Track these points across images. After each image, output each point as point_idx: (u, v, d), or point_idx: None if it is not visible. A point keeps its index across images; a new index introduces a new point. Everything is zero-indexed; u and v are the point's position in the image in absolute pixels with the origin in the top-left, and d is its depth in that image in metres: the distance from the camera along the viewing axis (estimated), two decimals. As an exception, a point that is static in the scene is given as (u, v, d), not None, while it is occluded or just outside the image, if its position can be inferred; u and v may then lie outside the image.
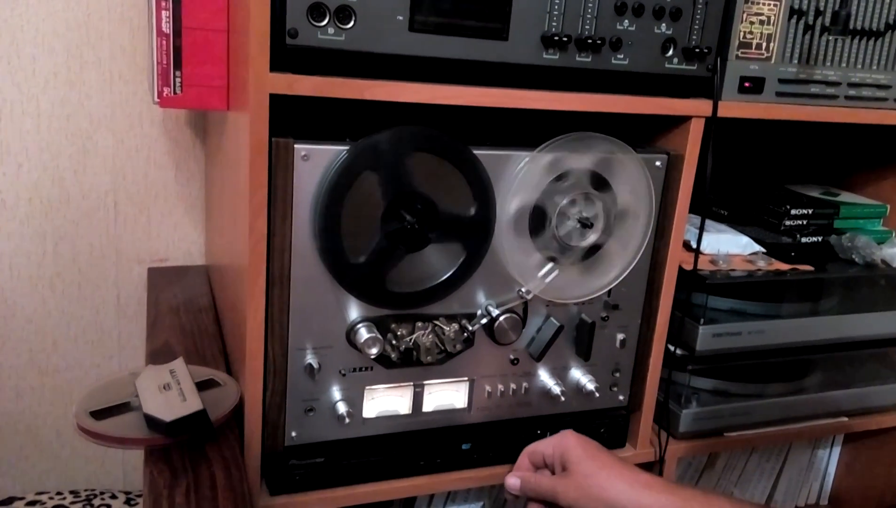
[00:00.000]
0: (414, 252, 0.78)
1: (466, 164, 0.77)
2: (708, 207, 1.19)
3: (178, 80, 0.85)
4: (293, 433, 0.80)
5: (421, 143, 0.75)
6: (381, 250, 0.76)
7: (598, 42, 0.78)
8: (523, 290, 0.84)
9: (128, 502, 1.18)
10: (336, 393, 0.81)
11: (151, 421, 0.70)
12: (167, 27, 0.83)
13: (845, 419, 1.11)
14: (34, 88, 1.09)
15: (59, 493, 1.18)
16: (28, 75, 1.08)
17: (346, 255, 0.75)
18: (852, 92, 0.94)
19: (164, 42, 0.84)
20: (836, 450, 1.39)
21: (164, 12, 0.82)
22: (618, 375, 0.93)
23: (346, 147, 0.73)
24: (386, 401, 0.83)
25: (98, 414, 0.72)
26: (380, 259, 0.77)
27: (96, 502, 1.17)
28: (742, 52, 0.86)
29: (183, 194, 1.19)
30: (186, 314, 1.03)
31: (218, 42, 0.81)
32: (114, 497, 1.19)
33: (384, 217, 0.76)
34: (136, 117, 1.14)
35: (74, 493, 1.19)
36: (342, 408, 0.80)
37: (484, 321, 0.83)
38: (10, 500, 1.16)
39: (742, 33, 0.86)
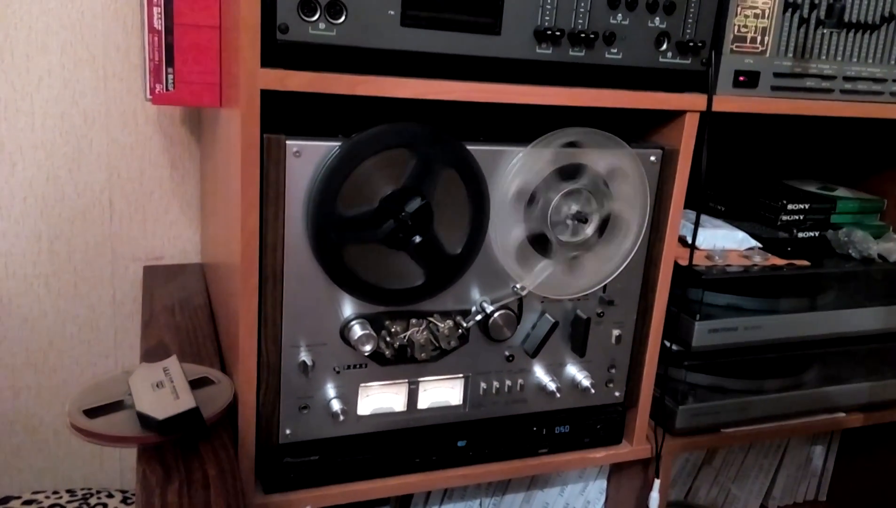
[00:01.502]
0: (389, 247, 0.77)
1: (450, 151, 0.76)
2: (704, 202, 1.18)
3: (170, 77, 0.84)
4: (287, 431, 0.80)
5: (400, 138, 0.74)
6: (371, 243, 0.76)
7: (592, 36, 0.77)
8: (518, 286, 0.83)
9: (124, 501, 1.18)
10: (330, 391, 0.80)
11: (144, 419, 0.70)
12: (159, 24, 0.83)
13: (842, 414, 1.11)
14: (28, 86, 1.09)
15: (55, 492, 1.18)
16: (22, 73, 1.08)
17: (338, 251, 0.75)
18: (848, 86, 0.93)
19: (156, 39, 0.83)
20: (834, 446, 1.39)
21: (155, 9, 0.82)
22: (613, 371, 0.93)
23: (339, 143, 0.72)
24: (380, 398, 0.83)
25: (91, 413, 0.72)
26: (370, 253, 0.76)
27: (93, 501, 1.17)
28: (737, 46, 0.86)
29: (178, 191, 1.19)
30: (181, 313, 1.03)
31: (210, 38, 0.81)
32: (110, 495, 1.18)
33: (377, 213, 0.75)
34: (130, 115, 1.14)
35: (71, 492, 1.18)
36: (336, 406, 0.80)
37: (478, 317, 0.83)
38: (7, 499, 1.15)
39: (736, 27, 0.85)
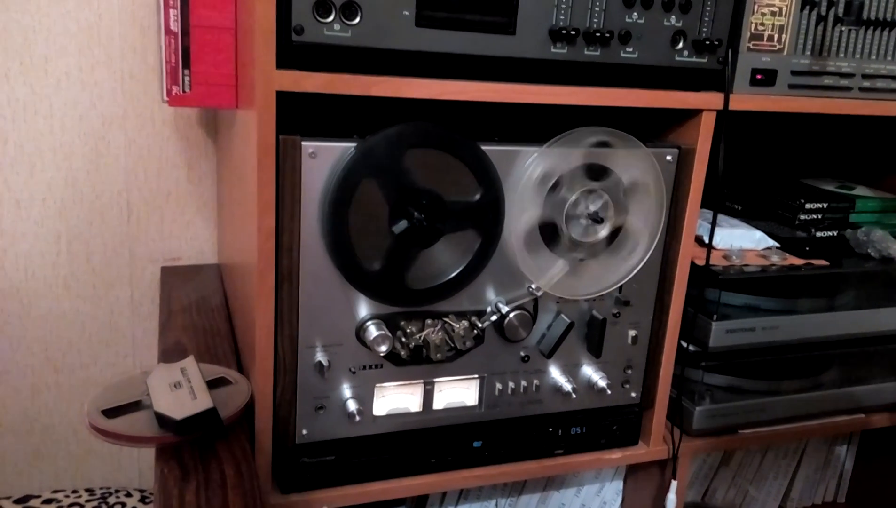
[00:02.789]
0: (427, 247, 0.77)
1: (465, 151, 0.76)
2: (721, 201, 1.18)
3: (186, 78, 0.85)
4: (304, 431, 0.80)
5: (414, 139, 0.74)
6: (387, 244, 0.76)
7: (607, 35, 0.77)
8: (533, 287, 0.83)
9: (142, 500, 1.19)
10: (346, 391, 0.81)
11: (162, 419, 0.71)
12: (175, 26, 0.83)
13: (862, 415, 1.10)
14: (47, 88, 1.10)
15: (74, 491, 1.19)
16: (40, 76, 1.09)
17: (353, 252, 0.75)
18: (867, 84, 0.92)
19: (173, 41, 0.84)
20: (853, 447, 1.37)
21: (171, 11, 0.83)
22: (630, 372, 0.93)
23: (354, 144, 0.72)
24: (396, 399, 0.83)
25: (110, 413, 0.73)
26: (386, 253, 0.76)
27: (111, 500, 1.18)
28: (754, 44, 0.85)
29: (195, 192, 1.20)
30: (198, 313, 1.04)
31: (226, 40, 0.81)
32: (129, 495, 1.19)
33: (392, 214, 0.75)
34: (147, 117, 1.15)
35: (90, 491, 1.19)
36: (352, 406, 0.80)
37: (494, 317, 0.83)
38: (27, 498, 1.17)
39: (753, 25, 0.85)
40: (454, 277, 0.80)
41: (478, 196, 0.78)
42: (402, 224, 0.76)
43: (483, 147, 0.77)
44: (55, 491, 1.19)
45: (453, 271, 0.80)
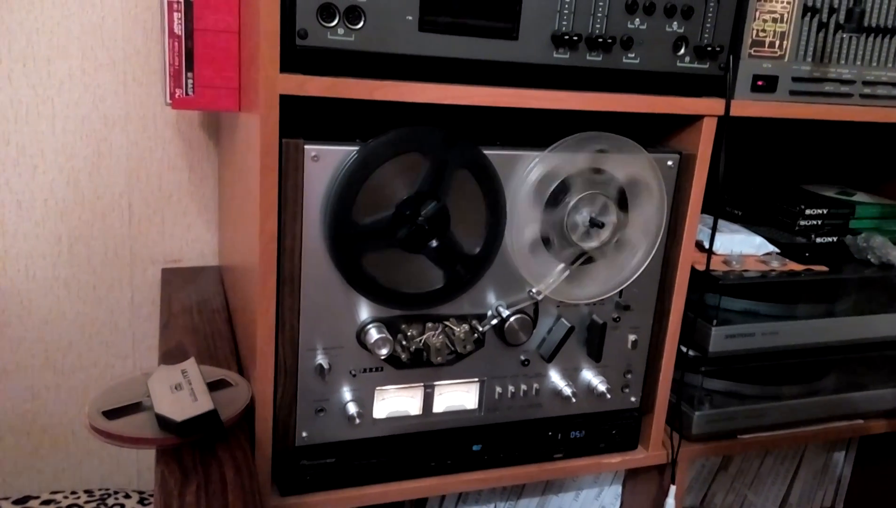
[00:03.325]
0: (408, 251, 0.77)
1: (494, 198, 0.77)
2: (721, 207, 1.18)
3: (189, 81, 0.85)
4: (304, 434, 0.80)
5: (415, 143, 0.74)
6: (389, 247, 0.76)
7: (609, 41, 0.77)
8: (534, 291, 0.83)
9: (141, 501, 1.19)
10: (346, 394, 0.81)
11: (163, 421, 0.71)
12: (179, 29, 0.83)
13: (860, 421, 1.10)
14: (49, 90, 1.10)
15: (73, 492, 1.19)
16: (43, 77, 1.09)
17: (355, 255, 0.75)
18: (867, 90, 0.93)
19: (176, 44, 0.84)
20: (852, 453, 1.38)
21: (175, 14, 0.83)
22: (629, 376, 0.93)
23: (356, 147, 0.73)
24: (396, 402, 0.83)
25: (110, 414, 0.73)
26: (387, 257, 0.77)
27: (110, 501, 1.18)
28: (755, 51, 0.86)
29: (196, 195, 1.20)
30: (199, 315, 1.04)
31: (229, 44, 0.81)
32: (127, 496, 1.19)
33: (394, 218, 0.75)
34: (149, 119, 1.15)
35: (89, 492, 1.19)
36: (352, 409, 0.80)
37: (494, 321, 0.83)
38: (26, 499, 1.17)
39: (755, 31, 0.85)
40: (437, 290, 0.80)
41: (476, 250, 0.79)
42: (405, 229, 0.76)
43: (485, 151, 0.77)
44: (54, 492, 1.19)
45: (438, 285, 0.80)
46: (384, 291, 0.78)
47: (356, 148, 0.73)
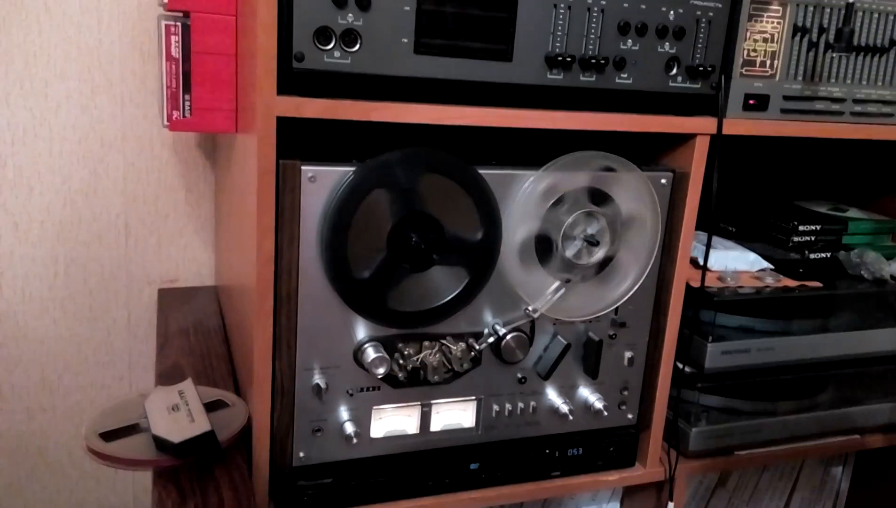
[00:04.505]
0: (418, 272, 0.78)
1: (475, 186, 0.77)
2: (715, 223, 1.19)
3: (187, 103, 0.86)
4: (301, 454, 0.80)
5: (431, 164, 0.75)
6: (385, 267, 0.77)
7: (602, 62, 0.78)
8: (530, 308, 0.84)
9: (137, 523, 1.18)
10: (344, 413, 0.81)
11: (160, 443, 0.71)
12: (176, 52, 0.84)
13: (857, 436, 1.10)
14: (46, 112, 1.11)
15: (69, 514, 1.19)
16: (40, 100, 1.10)
17: (351, 275, 0.76)
18: (858, 108, 0.94)
19: (174, 66, 0.85)
20: (849, 468, 1.38)
21: (173, 37, 0.84)
22: (626, 393, 0.93)
23: (353, 168, 0.73)
24: (393, 421, 0.83)
25: (107, 436, 0.73)
26: (383, 277, 0.77)
27: (106, 523, 1.17)
28: (746, 70, 0.87)
29: (193, 215, 1.20)
30: (196, 335, 1.04)
31: (226, 66, 0.82)
32: (124, 518, 1.19)
33: (391, 237, 0.76)
34: (146, 140, 1.15)
35: (85, 514, 1.19)
36: (350, 428, 0.80)
37: (491, 339, 0.83)
38: (21, 522, 1.16)
39: (746, 51, 0.86)
40: (445, 303, 0.80)
41: (478, 236, 0.79)
42: (400, 247, 0.76)
43: (481, 170, 0.78)
44: (50, 515, 1.18)
45: (446, 296, 0.80)
46: (381, 310, 0.78)
47: (352, 169, 0.73)
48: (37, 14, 1.07)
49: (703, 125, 0.86)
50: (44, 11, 1.07)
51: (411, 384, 0.82)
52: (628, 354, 0.91)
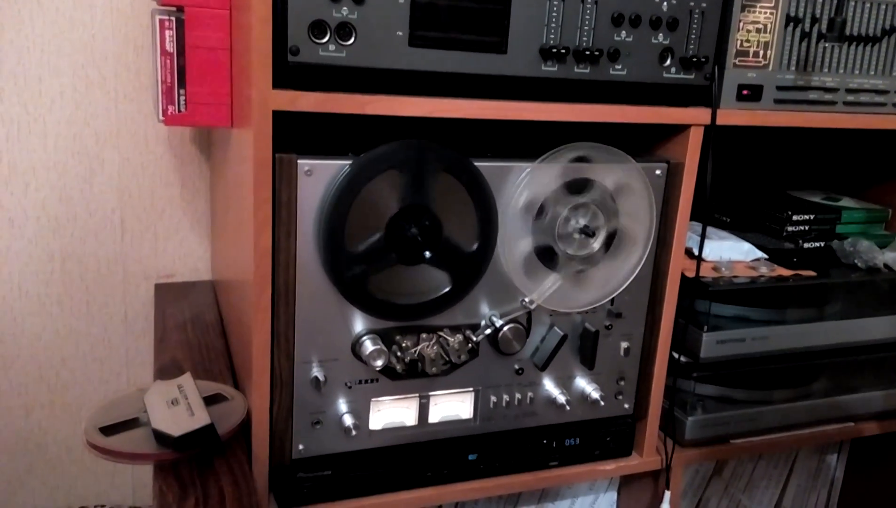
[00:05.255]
0: (405, 264, 0.78)
1: (480, 194, 0.78)
2: (709, 214, 1.19)
3: (182, 98, 0.86)
4: (300, 447, 0.81)
5: (447, 163, 0.75)
6: (375, 250, 0.77)
7: (596, 53, 0.79)
8: (527, 300, 0.84)
9: (137, 517, 1.18)
10: (342, 406, 0.81)
11: (160, 436, 0.71)
12: (171, 46, 0.84)
13: (852, 424, 1.11)
14: (40, 107, 1.10)
15: (68, 509, 1.19)
16: (34, 95, 1.10)
17: (350, 268, 0.76)
18: (850, 98, 0.94)
19: (169, 61, 0.85)
20: (844, 456, 1.39)
21: (167, 32, 0.84)
22: (623, 383, 0.94)
23: (349, 161, 0.73)
24: (392, 413, 0.84)
25: (107, 430, 0.73)
26: (370, 258, 0.77)
27: (106, 518, 1.17)
28: (740, 61, 0.87)
29: (189, 210, 1.20)
30: (193, 330, 1.04)
31: (221, 60, 0.82)
32: (123, 512, 1.19)
33: (391, 222, 0.76)
34: (141, 135, 1.15)
35: (84, 509, 1.19)
36: (348, 420, 0.81)
37: (488, 331, 0.84)
38: (21, 517, 1.16)
39: (739, 42, 0.86)
40: (429, 302, 0.80)
41: (474, 247, 0.80)
42: (399, 245, 0.77)
43: (476, 162, 0.78)
44: (49, 510, 1.19)
45: (428, 297, 0.80)
46: (378, 303, 0.79)
47: (349, 162, 0.73)
48: (30, 9, 1.07)
49: (697, 116, 0.86)
50: (36, 6, 1.07)
51: (409, 376, 0.83)
52: (624, 344, 0.92)
